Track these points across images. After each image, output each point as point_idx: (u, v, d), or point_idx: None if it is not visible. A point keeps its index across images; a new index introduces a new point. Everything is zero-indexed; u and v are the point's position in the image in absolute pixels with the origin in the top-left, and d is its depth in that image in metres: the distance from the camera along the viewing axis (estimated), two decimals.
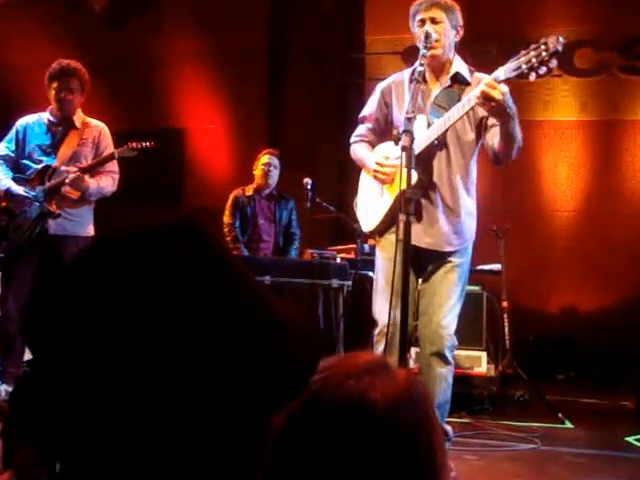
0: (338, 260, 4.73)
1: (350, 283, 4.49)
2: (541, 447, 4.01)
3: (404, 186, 2.74)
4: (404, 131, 2.73)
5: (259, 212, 5.52)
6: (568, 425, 4.63)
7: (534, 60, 2.87)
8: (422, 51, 3.12)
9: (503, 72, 2.94)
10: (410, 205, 2.74)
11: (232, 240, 5.43)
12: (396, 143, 3.11)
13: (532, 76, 2.91)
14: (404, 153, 2.70)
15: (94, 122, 4.43)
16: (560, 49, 2.85)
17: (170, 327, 0.67)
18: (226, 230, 5.51)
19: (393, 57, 6.71)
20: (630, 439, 4.26)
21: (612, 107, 6.86)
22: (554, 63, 2.88)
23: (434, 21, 3.24)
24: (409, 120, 2.74)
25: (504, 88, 2.91)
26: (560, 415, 4.69)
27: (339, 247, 5.24)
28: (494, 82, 2.90)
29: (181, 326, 0.67)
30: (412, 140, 2.72)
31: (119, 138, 4.35)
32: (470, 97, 3.04)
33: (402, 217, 2.74)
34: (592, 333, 6.45)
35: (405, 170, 2.71)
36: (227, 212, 5.54)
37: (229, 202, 5.56)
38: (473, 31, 6.21)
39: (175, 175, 7.25)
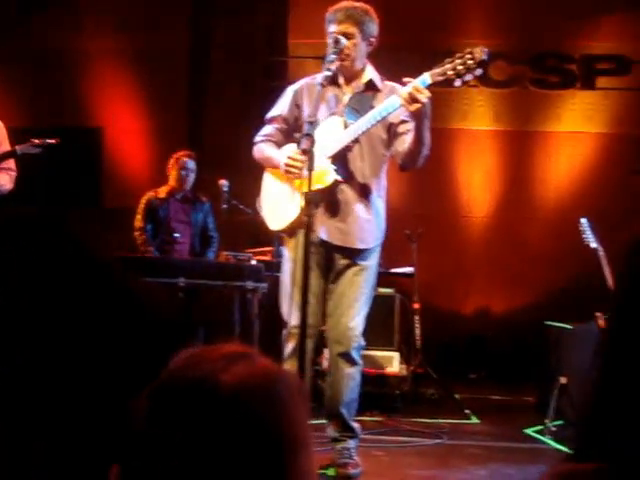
0: (253, 262, 4.79)
1: (266, 285, 4.55)
2: (447, 442, 4.21)
3: (306, 188, 2.85)
4: (305, 134, 2.83)
5: (173, 215, 5.49)
6: (474, 420, 4.85)
7: (460, 67, 3.05)
8: (330, 57, 3.23)
9: (429, 76, 3.09)
10: (311, 207, 2.84)
11: (142, 243, 5.38)
12: (298, 146, 3.21)
13: (457, 82, 3.09)
14: (305, 156, 2.81)
15: None
16: (485, 58, 3.05)
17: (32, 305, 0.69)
18: (136, 234, 5.44)
19: (315, 61, 6.80)
20: (528, 431, 4.52)
21: (524, 118, 7.15)
22: (479, 71, 3.08)
23: (346, 36, 3.33)
24: (311, 124, 2.85)
25: (428, 92, 3.05)
26: (467, 411, 4.91)
27: (256, 249, 5.30)
28: (421, 86, 3.04)
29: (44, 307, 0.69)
30: (313, 143, 2.83)
31: (33, 135, 4.28)
32: (394, 100, 3.16)
33: (304, 219, 2.85)
34: (502, 334, 6.73)
35: (307, 172, 2.82)
36: (138, 216, 5.48)
37: (141, 206, 5.50)
38: (396, 40, 6.45)
39: (92, 175, 7.14)
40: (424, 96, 3.03)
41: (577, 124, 7.12)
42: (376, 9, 3.49)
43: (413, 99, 3.03)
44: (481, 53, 3.04)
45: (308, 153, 2.78)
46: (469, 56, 3.05)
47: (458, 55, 3.08)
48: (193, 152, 5.67)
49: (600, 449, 0.77)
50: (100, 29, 7.08)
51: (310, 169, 2.79)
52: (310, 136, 2.80)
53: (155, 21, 6.96)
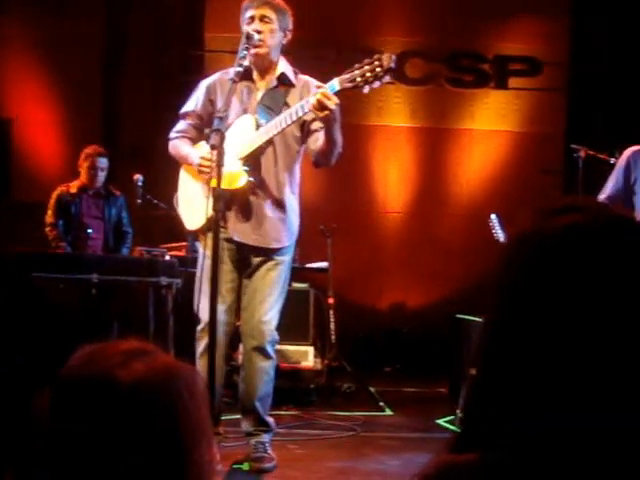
0: (167, 257, 4.75)
1: (180, 281, 4.52)
2: (361, 433, 4.27)
3: (215, 184, 2.85)
4: (214, 130, 2.82)
5: (85, 210, 5.37)
6: (388, 412, 4.94)
7: (369, 75, 3.01)
8: (241, 53, 3.22)
9: (338, 83, 3.06)
10: (219, 202, 2.84)
11: (54, 239, 5.25)
12: (207, 141, 3.19)
13: (366, 89, 3.06)
14: (214, 151, 2.80)
15: None
16: (393, 66, 3.02)
17: None
18: (48, 230, 5.31)
19: (232, 55, 6.71)
20: (440, 421, 4.64)
21: (439, 116, 7.31)
22: (387, 78, 3.05)
23: (263, 19, 3.32)
24: (221, 119, 2.84)
25: (337, 99, 3.06)
26: (381, 404, 5.00)
27: (171, 245, 5.24)
28: (329, 93, 3.04)
29: None
30: (222, 139, 2.82)
31: None
32: (304, 104, 3.16)
33: (213, 214, 2.85)
34: (417, 328, 6.87)
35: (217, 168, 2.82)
36: (49, 212, 5.34)
37: (52, 201, 5.36)
38: (313, 36, 6.47)
39: (1, 167, 6.87)
40: (332, 103, 3.02)
41: (490, 122, 7.33)
42: (295, 4, 3.50)
43: (322, 106, 3.04)
44: (389, 60, 3.00)
45: (217, 148, 2.78)
46: (377, 63, 3.01)
47: (367, 61, 3.04)
48: (105, 147, 5.54)
49: (482, 438, 0.80)
50: (5, 12, 6.78)
51: (219, 165, 2.78)
52: (219, 131, 2.79)
53: (68, 11, 6.75)
